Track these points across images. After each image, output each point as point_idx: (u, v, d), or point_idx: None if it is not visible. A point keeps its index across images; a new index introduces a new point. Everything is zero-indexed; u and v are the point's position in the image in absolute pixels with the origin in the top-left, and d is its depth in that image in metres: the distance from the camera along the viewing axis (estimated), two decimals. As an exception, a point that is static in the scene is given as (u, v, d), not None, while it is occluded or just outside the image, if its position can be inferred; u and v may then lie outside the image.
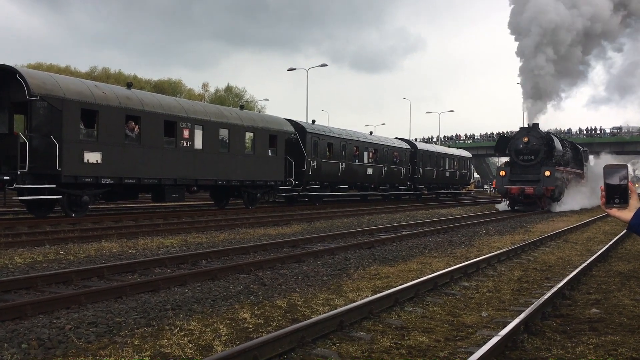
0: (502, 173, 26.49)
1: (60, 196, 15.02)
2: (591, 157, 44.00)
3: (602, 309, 6.53)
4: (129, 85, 18.14)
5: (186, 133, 18.50)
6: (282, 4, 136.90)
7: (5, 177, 13.97)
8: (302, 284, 7.61)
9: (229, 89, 77.06)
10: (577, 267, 8.90)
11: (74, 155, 14.96)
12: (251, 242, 11.83)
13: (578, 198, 29.07)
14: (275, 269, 8.67)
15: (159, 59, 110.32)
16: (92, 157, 15.46)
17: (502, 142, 28.71)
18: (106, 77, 62.38)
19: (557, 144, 27.27)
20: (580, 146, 34.91)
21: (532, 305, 6.01)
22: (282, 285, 7.47)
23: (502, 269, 9.22)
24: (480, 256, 10.11)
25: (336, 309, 5.82)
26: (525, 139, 26.11)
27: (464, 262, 9.34)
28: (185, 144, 18.45)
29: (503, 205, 27.19)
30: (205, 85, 77.94)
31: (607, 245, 11.83)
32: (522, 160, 26.30)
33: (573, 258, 10.68)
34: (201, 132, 19.07)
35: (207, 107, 21.19)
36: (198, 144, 18.93)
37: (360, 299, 6.34)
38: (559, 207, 26.75)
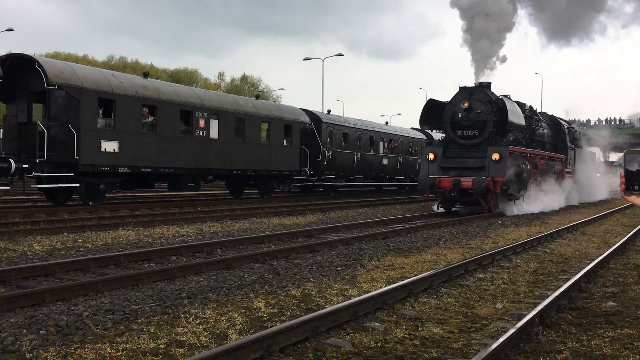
0: (430, 156, 17.72)
1: (78, 184, 15.19)
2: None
3: (618, 302, 6.47)
4: (146, 75, 18.24)
5: (202, 122, 18.57)
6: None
7: (24, 166, 14.14)
8: (317, 274, 7.63)
9: (244, 78, 77.17)
10: (594, 260, 8.82)
11: (91, 144, 15.10)
12: (266, 231, 11.87)
13: (554, 194, 21.21)
14: (289, 259, 8.71)
15: (174, 47, 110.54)
16: (110, 146, 15.59)
17: (431, 110, 19.02)
18: (123, 66, 62.73)
19: (515, 114, 18.25)
20: (565, 122, 25.48)
21: (548, 298, 5.98)
22: (296, 275, 7.50)
23: (518, 261, 9.17)
24: (495, 248, 10.06)
25: (350, 299, 5.83)
26: (465, 104, 17.43)
27: (479, 253, 9.31)
28: (201, 134, 18.52)
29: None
30: (221, 75, 78.26)
31: (624, 238, 11.70)
32: (461, 137, 17.74)
33: (590, 250, 10.59)
34: (217, 121, 19.13)
35: (223, 97, 21.23)
36: (214, 133, 18.99)
37: (375, 290, 6.34)
38: (518, 208, 18.63)
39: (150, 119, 17.05)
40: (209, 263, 7.81)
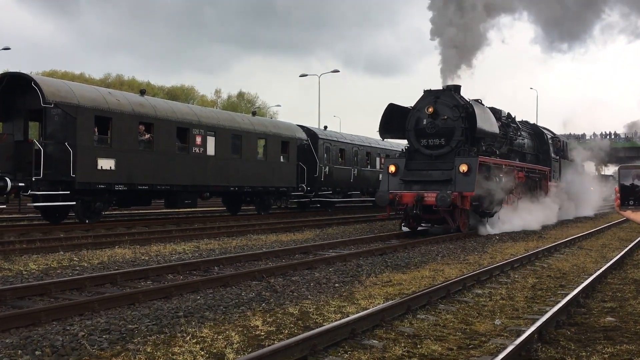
0: (392, 168, 15.76)
1: (74, 202, 15.15)
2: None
3: (617, 317, 6.45)
4: (142, 92, 18.31)
5: (199, 139, 18.60)
6: (291, 6, 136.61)
7: (20, 184, 14.11)
8: (314, 290, 7.60)
9: (241, 95, 77.43)
10: (591, 275, 8.81)
11: (87, 161, 15.09)
12: (263, 248, 11.84)
13: (537, 210, 18.94)
14: (287, 276, 8.67)
15: (171, 64, 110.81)
16: (106, 163, 15.58)
17: (392, 117, 16.74)
18: (120, 84, 62.93)
19: (485, 120, 15.82)
20: (548, 131, 23.26)
21: (547, 314, 5.95)
22: (294, 292, 7.47)
23: (516, 276, 9.14)
24: (493, 263, 10.04)
25: (348, 316, 5.80)
26: (430, 110, 15.44)
27: (476, 269, 9.28)
28: (197, 150, 18.54)
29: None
30: (217, 92, 78.43)
31: (622, 252, 11.70)
32: (426, 147, 15.73)
33: (588, 265, 10.58)
34: (213, 138, 19.17)
35: (220, 114, 21.30)
36: (210, 150, 19.02)
37: (372, 307, 6.31)
38: (492, 227, 16.57)
39: (147, 136, 17.07)
40: (206, 281, 7.77)
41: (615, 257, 11.04)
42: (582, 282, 8.05)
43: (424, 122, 15.68)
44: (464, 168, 14.74)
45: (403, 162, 15.94)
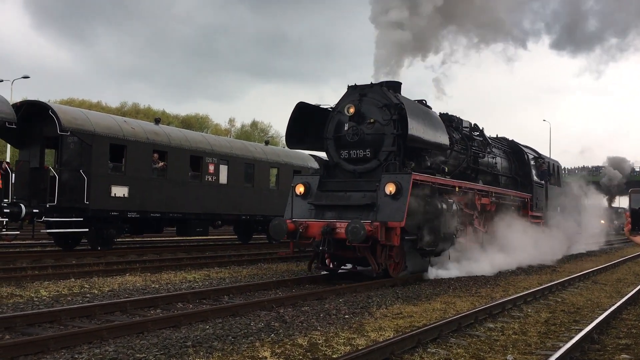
0: (300, 189, 12.11)
1: (87, 229, 15.25)
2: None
3: (632, 354, 6.32)
4: (157, 121, 18.55)
5: (211, 168, 18.74)
6: (304, 35, 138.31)
7: (34, 210, 14.25)
8: (324, 322, 7.53)
9: (254, 124, 78.02)
10: (606, 310, 8.66)
11: (101, 189, 15.23)
12: (273, 277, 11.80)
13: (511, 247, 15.09)
14: (296, 306, 8.62)
15: (186, 92, 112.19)
16: (120, 191, 15.72)
17: (306, 121, 12.84)
18: (135, 112, 63.74)
19: (425, 125, 11.92)
20: (530, 150, 19.15)
21: (560, 350, 5.86)
22: (303, 323, 7.41)
23: (529, 310, 9.01)
24: (505, 296, 9.91)
25: (357, 349, 5.74)
26: (351, 110, 11.70)
27: (489, 302, 9.17)
28: (210, 179, 18.66)
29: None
30: (231, 121, 79.07)
31: (638, 287, 11.50)
32: (347, 160, 11.98)
33: (602, 300, 10.40)
34: (226, 167, 19.30)
35: (233, 143, 21.47)
36: (223, 178, 19.13)
37: (382, 339, 6.24)
38: (440, 270, 12.81)
39: (161, 164, 17.23)
40: (216, 310, 7.74)
41: (630, 292, 10.86)
42: (597, 318, 7.93)
43: (345, 127, 11.89)
44: (390, 189, 10.87)
45: (316, 180, 12.13)
